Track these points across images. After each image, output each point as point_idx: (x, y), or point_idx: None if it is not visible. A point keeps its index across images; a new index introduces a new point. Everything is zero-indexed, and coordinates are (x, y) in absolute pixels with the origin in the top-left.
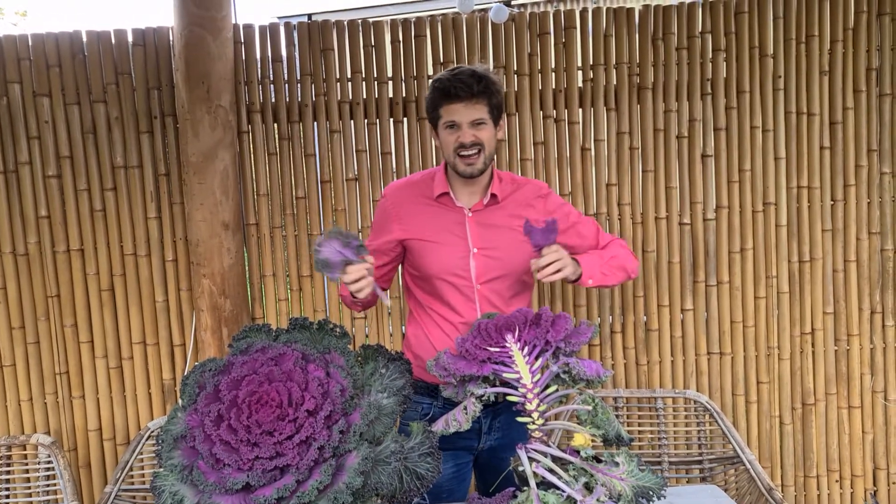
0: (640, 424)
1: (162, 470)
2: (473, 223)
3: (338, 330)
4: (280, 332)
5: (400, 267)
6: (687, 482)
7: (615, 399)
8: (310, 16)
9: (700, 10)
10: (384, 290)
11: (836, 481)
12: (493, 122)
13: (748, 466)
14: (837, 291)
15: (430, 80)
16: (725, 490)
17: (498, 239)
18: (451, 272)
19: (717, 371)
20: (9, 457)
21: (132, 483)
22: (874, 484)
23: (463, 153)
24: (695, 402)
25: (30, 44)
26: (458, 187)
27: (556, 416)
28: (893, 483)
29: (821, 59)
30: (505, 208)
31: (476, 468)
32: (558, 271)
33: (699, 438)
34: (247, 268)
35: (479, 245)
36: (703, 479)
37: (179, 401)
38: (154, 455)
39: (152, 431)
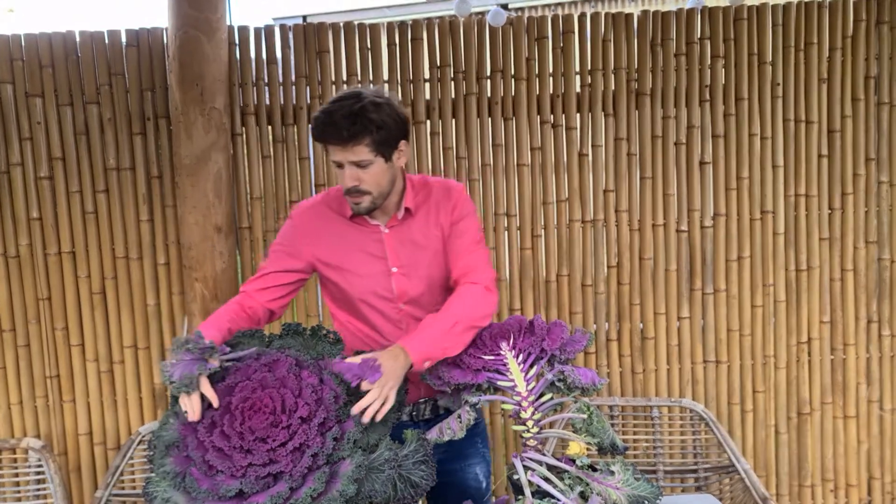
0: (635, 433)
1: (154, 476)
2: (391, 239)
3: (331, 336)
4: (273, 337)
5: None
6: (682, 491)
7: (610, 407)
8: (305, 17)
9: (699, 16)
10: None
11: (831, 491)
12: (381, 156)
13: (743, 475)
14: (834, 300)
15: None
16: (720, 499)
17: (417, 255)
18: (372, 293)
19: (712, 380)
20: None
21: (123, 488)
22: (869, 494)
23: (349, 193)
24: (690, 410)
25: (22, 44)
26: None
27: (551, 425)
28: (888, 493)
29: (819, 67)
30: (420, 218)
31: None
32: (383, 404)
33: (694, 447)
34: (239, 272)
35: (397, 264)
36: (698, 489)
37: (171, 406)
38: (145, 460)
39: (143, 436)
